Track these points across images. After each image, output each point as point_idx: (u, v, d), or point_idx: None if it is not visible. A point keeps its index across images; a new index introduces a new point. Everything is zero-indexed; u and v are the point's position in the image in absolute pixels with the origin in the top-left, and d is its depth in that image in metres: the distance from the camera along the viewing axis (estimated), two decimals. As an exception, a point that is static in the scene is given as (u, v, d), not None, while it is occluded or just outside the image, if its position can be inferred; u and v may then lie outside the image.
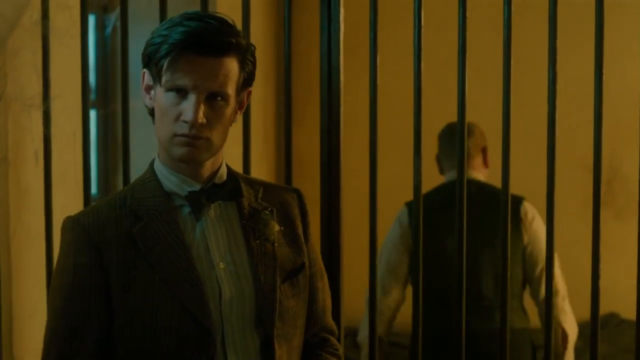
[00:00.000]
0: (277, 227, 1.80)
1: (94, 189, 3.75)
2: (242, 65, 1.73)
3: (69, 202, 2.75)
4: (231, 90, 1.71)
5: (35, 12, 2.50)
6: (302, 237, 1.86)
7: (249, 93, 1.80)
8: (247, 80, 1.76)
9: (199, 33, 1.66)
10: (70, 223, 1.73)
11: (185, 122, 1.67)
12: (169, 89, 1.68)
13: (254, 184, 1.86)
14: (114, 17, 3.64)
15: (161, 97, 1.70)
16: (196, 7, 2.41)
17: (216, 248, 1.74)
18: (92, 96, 3.76)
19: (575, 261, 3.89)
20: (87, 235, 1.70)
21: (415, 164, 2.40)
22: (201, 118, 1.66)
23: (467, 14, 2.36)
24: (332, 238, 2.51)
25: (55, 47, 2.60)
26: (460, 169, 2.37)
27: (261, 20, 4.27)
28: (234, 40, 1.69)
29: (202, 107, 1.67)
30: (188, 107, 1.67)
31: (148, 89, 1.75)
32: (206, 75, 1.67)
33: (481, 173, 3.34)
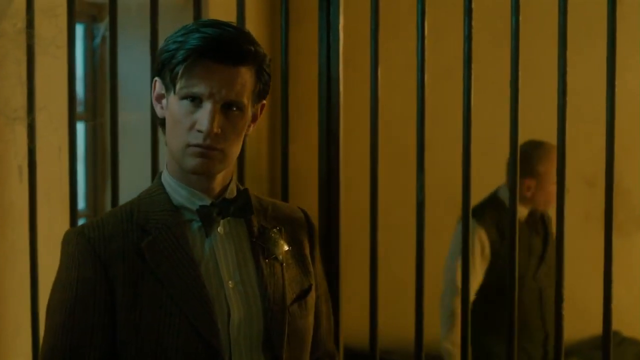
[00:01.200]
0: (285, 247, 1.77)
1: (81, 204, 3.66)
2: (259, 75, 1.69)
3: (54, 218, 2.65)
4: (247, 100, 1.67)
5: (19, 21, 2.41)
6: (310, 258, 1.82)
7: (263, 106, 1.76)
8: (262, 92, 1.72)
9: (218, 39, 1.62)
10: (74, 235, 1.68)
11: (200, 131, 1.63)
12: (183, 97, 1.64)
13: (262, 201, 1.82)
14: (103, 27, 3.59)
15: (174, 105, 1.66)
16: (188, 18, 2.32)
17: (225, 266, 1.70)
18: (81, 108, 3.68)
19: (575, 277, 3.80)
20: (92, 249, 1.65)
21: (418, 180, 2.31)
22: (216, 128, 1.62)
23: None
24: (332, 256, 2.43)
25: (41, 57, 2.53)
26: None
27: (255, 29, 4.16)
28: (252, 49, 1.65)
29: (217, 116, 1.63)
30: (203, 116, 1.62)
31: (159, 98, 1.71)
32: (223, 83, 1.62)
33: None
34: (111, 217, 1.71)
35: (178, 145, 1.66)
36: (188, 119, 1.64)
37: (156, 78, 1.71)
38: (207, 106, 1.63)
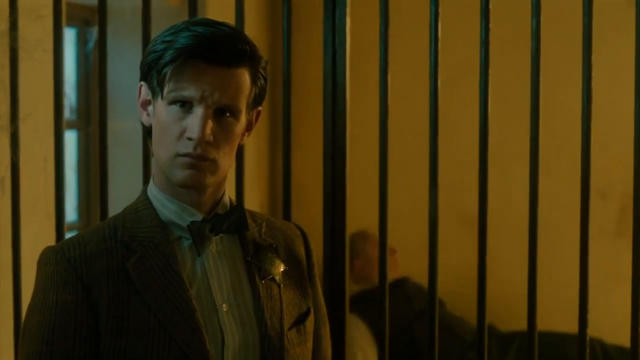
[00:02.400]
0: (282, 267, 1.65)
1: (73, 217, 3.57)
2: (254, 79, 1.56)
3: (40, 234, 2.50)
4: (242, 105, 1.55)
5: (2, 22, 2.25)
6: (307, 279, 1.70)
7: (259, 113, 1.64)
8: (257, 98, 1.60)
9: (210, 38, 1.50)
10: (52, 254, 1.55)
11: (190, 139, 1.50)
12: (171, 102, 1.52)
13: (255, 216, 1.70)
14: (95, 31, 3.31)
15: (162, 111, 1.53)
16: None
17: (218, 288, 1.58)
18: (73, 116, 3.57)
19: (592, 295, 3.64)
20: (73, 269, 1.52)
21: (431, 195, 2.14)
22: (208, 135, 1.50)
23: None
24: (336, 276, 2.26)
25: (26, 62, 2.39)
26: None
27: (255, 32, 4.04)
28: (248, 48, 1.53)
29: (209, 122, 1.50)
30: (193, 122, 1.50)
31: (145, 104, 1.59)
32: (215, 86, 1.50)
33: None
34: (93, 234, 1.58)
35: (166, 155, 1.53)
36: (177, 126, 1.51)
37: (142, 82, 1.58)
38: (198, 111, 1.50)
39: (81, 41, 3.52)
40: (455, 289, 3.72)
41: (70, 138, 3.51)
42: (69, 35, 3.46)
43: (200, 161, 1.51)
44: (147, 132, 1.60)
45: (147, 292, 1.52)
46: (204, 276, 1.57)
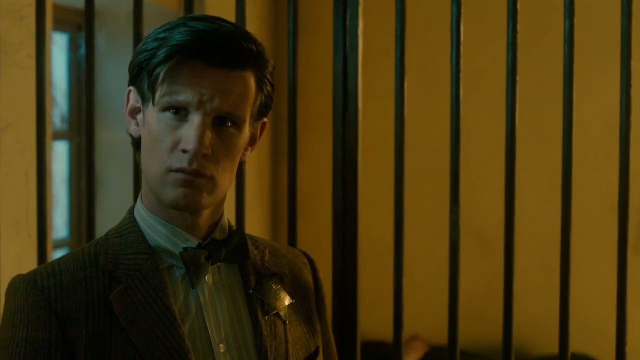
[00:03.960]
0: (288, 300, 1.46)
1: (64, 232, 3.39)
2: (260, 85, 1.37)
3: (23, 255, 2.32)
4: (246, 114, 1.37)
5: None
6: (315, 313, 1.52)
7: (264, 126, 1.45)
8: (263, 107, 1.40)
9: (210, 35, 1.31)
10: (23, 284, 1.35)
11: (185, 151, 1.32)
12: (164, 108, 1.33)
13: (257, 243, 1.52)
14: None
15: (153, 119, 1.35)
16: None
17: (215, 325, 1.39)
18: (64, 126, 3.39)
19: (604, 312, 3.45)
20: (46, 302, 1.33)
21: (452, 215, 1.94)
22: (206, 147, 1.31)
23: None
24: (346, 304, 2.05)
25: (7, 67, 2.22)
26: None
27: (256, 34, 3.82)
28: (254, 48, 1.34)
29: (207, 132, 1.32)
30: (189, 131, 1.31)
31: (134, 112, 1.40)
32: (216, 90, 1.32)
33: None
34: (71, 261, 1.39)
35: (156, 170, 1.34)
36: (170, 136, 1.33)
37: (130, 87, 1.39)
38: (195, 119, 1.31)
39: (73, 47, 3.36)
40: (468, 312, 3.52)
41: (62, 149, 3.36)
42: (60, 41, 3.32)
43: (195, 178, 1.32)
44: (136, 144, 1.41)
45: (132, 328, 1.33)
46: (198, 311, 1.38)
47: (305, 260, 1.55)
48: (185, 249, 1.37)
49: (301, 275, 1.52)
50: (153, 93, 1.33)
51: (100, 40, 3.17)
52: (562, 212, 1.95)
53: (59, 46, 3.27)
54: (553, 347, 2.82)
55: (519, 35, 1.94)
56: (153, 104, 1.34)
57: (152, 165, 1.34)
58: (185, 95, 1.31)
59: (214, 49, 1.30)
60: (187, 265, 1.37)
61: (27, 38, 2.21)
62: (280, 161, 4.27)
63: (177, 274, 1.39)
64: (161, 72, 1.31)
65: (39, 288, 1.34)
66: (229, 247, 1.40)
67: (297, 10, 2.07)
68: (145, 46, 1.35)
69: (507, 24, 1.94)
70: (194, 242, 1.39)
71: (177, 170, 1.32)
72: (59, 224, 3.33)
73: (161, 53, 1.31)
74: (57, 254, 3.35)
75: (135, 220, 1.41)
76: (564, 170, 1.94)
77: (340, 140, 2.04)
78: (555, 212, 2.14)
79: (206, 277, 1.40)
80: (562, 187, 1.94)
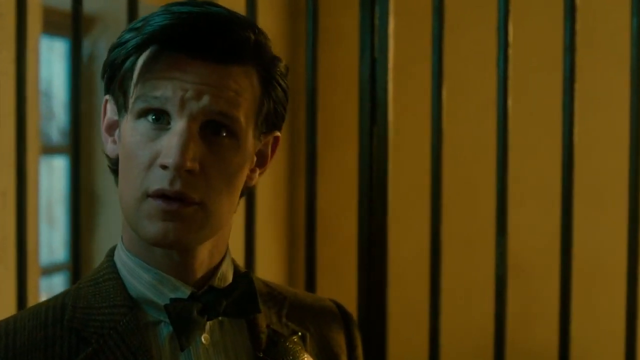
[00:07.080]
0: None
1: (62, 255, 3.17)
2: (266, 86, 1.09)
3: (6, 281, 2.03)
4: (245, 119, 1.07)
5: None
6: None
7: (277, 141, 1.15)
8: (272, 115, 1.11)
9: (194, 19, 1.04)
10: None
11: (165, 166, 1.04)
12: (140, 114, 1.06)
13: (273, 290, 1.23)
14: (89, 43, 3.12)
15: (128, 131, 1.07)
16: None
17: None
18: (64, 140, 3.21)
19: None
20: None
21: (498, 248, 1.66)
22: (191, 161, 1.03)
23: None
24: (371, 349, 1.77)
25: None
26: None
27: (270, 36, 3.61)
28: (251, 37, 1.07)
29: (194, 142, 1.04)
30: (170, 141, 1.04)
31: (111, 128, 1.13)
32: (204, 85, 1.04)
33: None
34: (30, 317, 1.12)
35: (130, 197, 1.07)
36: (146, 150, 1.05)
37: (106, 96, 1.12)
38: (178, 125, 1.03)
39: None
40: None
41: (60, 165, 3.18)
42: (59, 47, 3.10)
43: (180, 207, 1.04)
44: (113, 165, 1.12)
45: None
46: None
47: (336, 312, 1.28)
48: (172, 300, 1.10)
49: (330, 332, 1.25)
50: (125, 96, 1.07)
51: (101, 46, 3.00)
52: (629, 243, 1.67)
53: (54, 52, 3.11)
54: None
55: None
56: (127, 111, 1.07)
57: (125, 190, 1.07)
58: (163, 91, 1.04)
59: (199, 38, 1.03)
60: (173, 322, 1.09)
61: (6, 38, 1.97)
62: (298, 182, 4.00)
63: (165, 332, 1.12)
64: (134, 68, 1.05)
65: None
66: (232, 297, 1.13)
67: (317, 8, 1.81)
68: (119, 39, 1.09)
69: (564, 24, 1.68)
70: (185, 292, 1.11)
71: (156, 196, 1.04)
72: (57, 246, 3.14)
73: (132, 44, 1.05)
74: (55, 281, 3.16)
75: (114, 265, 1.15)
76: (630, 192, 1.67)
77: (368, 158, 1.79)
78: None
79: (202, 337, 1.12)
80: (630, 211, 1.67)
